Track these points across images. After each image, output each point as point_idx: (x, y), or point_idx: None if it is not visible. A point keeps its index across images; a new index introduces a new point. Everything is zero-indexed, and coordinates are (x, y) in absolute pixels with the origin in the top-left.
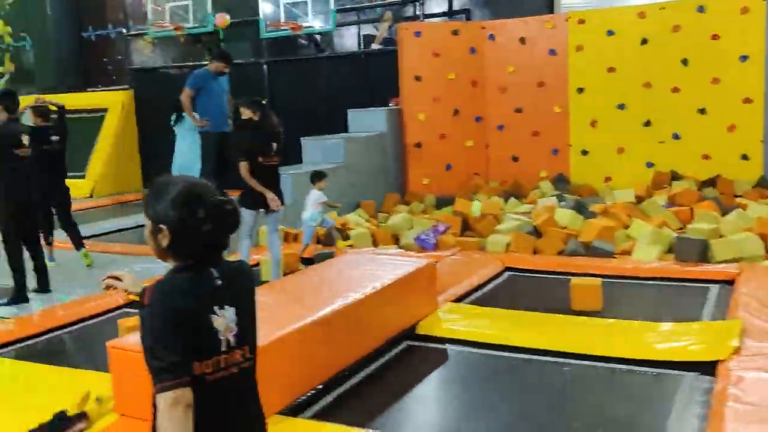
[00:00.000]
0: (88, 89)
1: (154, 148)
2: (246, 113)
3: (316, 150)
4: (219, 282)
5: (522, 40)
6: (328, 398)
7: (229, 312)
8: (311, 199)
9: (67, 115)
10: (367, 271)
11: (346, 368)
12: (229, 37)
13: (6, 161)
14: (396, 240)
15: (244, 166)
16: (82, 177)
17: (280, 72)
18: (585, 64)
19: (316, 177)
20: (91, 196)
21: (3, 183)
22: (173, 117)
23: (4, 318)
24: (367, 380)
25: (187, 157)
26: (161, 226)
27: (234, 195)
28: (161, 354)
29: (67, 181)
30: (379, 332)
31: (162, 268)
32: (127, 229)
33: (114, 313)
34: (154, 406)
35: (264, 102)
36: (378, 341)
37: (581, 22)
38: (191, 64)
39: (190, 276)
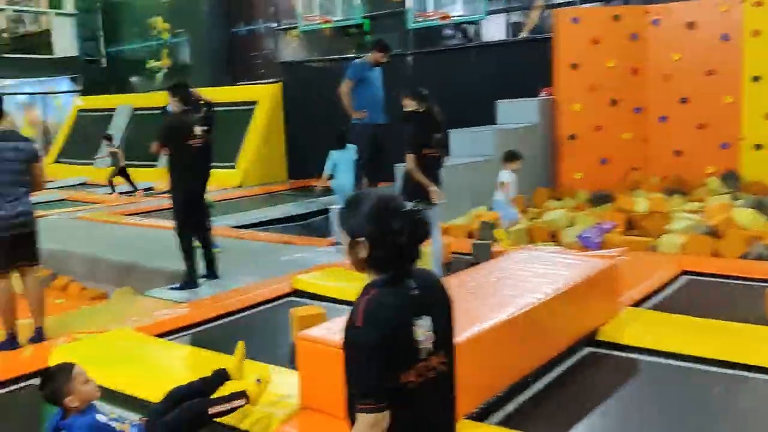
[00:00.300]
0: (237, 83)
1: (300, 140)
2: (410, 104)
3: (465, 142)
4: (416, 292)
5: (690, 25)
6: (512, 405)
7: (426, 320)
8: (503, 180)
9: (218, 108)
10: (547, 271)
11: (530, 373)
12: (374, 28)
13: (180, 151)
14: (552, 237)
15: (411, 159)
16: (232, 167)
17: (426, 63)
18: (763, 51)
19: (510, 157)
20: (240, 186)
21: (177, 172)
22: (336, 152)
23: (177, 302)
24: (550, 387)
25: (344, 185)
26: (359, 239)
27: (383, 186)
28: (365, 378)
29: (220, 172)
30: (562, 336)
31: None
32: (277, 220)
33: (282, 300)
34: (350, 410)
35: (427, 92)
36: (561, 346)
37: (758, 4)
38: (337, 57)
39: (391, 290)
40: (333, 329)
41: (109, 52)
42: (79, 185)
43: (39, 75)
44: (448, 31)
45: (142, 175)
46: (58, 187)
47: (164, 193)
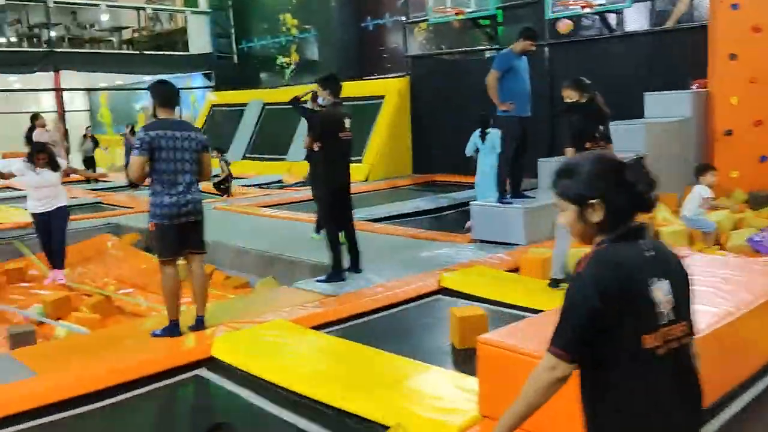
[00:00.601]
0: (364, 78)
1: (426, 134)
2: (571, 95)
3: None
4: (651, 253)
5: None
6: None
7: (665, 283)
8: (695, 195)
9: (347, 103)
10: (740, 278)
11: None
12: (508, 19)
13: (332, 145)
14: (715, 240)
15: (571, 153)
16: (359, 161)
17: (564, 54)
18: None
19: (703, 170)
20: (366, 180)
21: (327, 166)
22: (478, 132)
23: (325, 294)
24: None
25: (487, 176)
26: (591, 201)
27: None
28: (566, 324)
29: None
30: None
31: (450, 251)
32: (407, 214)
33: (430, 298)
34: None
35: (589, 82)
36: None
37: None
38: (467, 49)
39: (625, 245)
40: (515, 334)
41: (240, 48)
42: (213, 176)
43: (175, 71)
44: (588, 21)
45: (270, 168)
46: None
47: (299, 185)
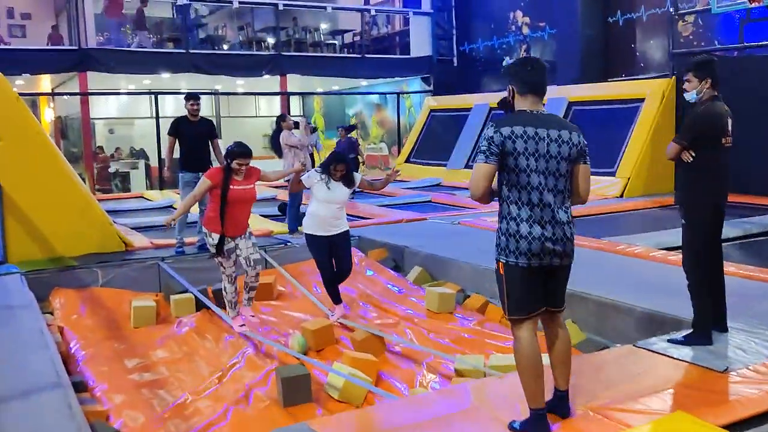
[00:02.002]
0: (609, 80)
1: None
2: None
3: None
4: None
5: None
6: None
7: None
8: None
9: (590, 108)
10: None
11: None
12: None
13: (713, 153)
14: None
15: None
16: (611, 175)
17: None
18: None
19: None
20: (621, 197)
21: (704, 183)
22: None
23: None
24: None
25: None
26: None
27: None
28: None
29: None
30: None
31: None
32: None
33: None
34: None
35: None
36: None
37: None
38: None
39: None
40: None
41: (460, 50)
42: (434, 186)
43: (395, 75)
44: None
45: None
46: (415, 188)
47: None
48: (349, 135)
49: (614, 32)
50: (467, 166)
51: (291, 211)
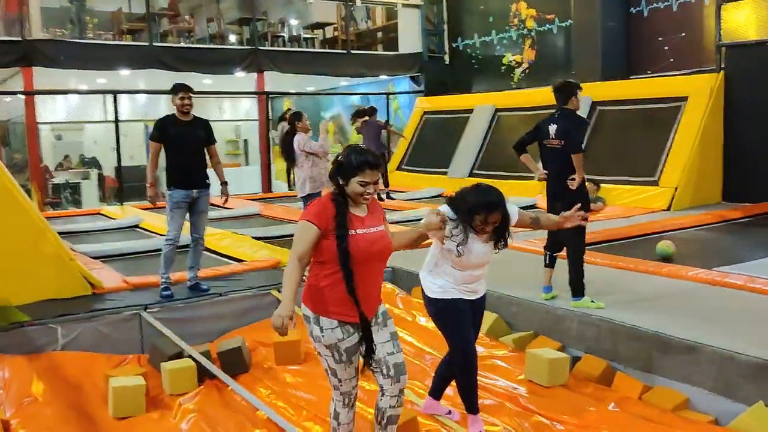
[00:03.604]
0: (631, 76)
1: (744, 149)
2: None
3: None
4: None
5: None
6: None
7: None
8: None
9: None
10: None
11: None
12: None
13: None
14: None
15: None
16: (654, 184)
17: None
18: None
19: None
20: (668, 210)
21: None
22: None
23: None
24: None
25: None
26: None
27: None
28: None
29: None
30: None
31: None
32: None
33: None
34: None
35: None
36: None
37: None
38: None
39: None
40: None
41: (454, 47)
42: (436, 197)
43: (383, 73)
44: None
45: (514, 188)
46: (416, 199)
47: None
48: (369, 120)
49: (637, 24)
50: (472, 175)
51: None
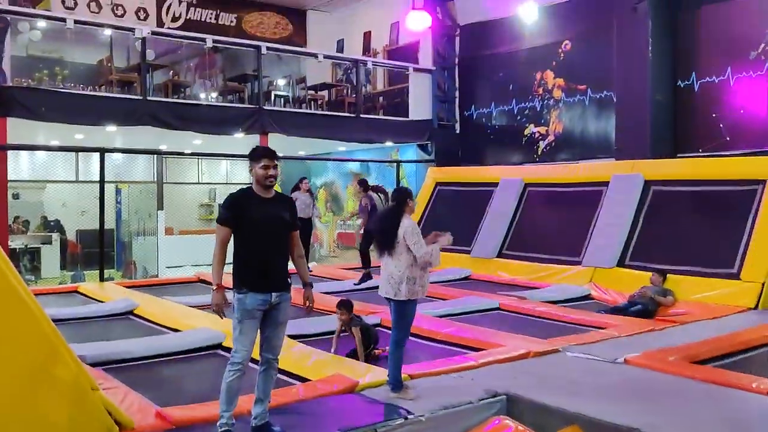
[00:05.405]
0: (678, 155)
1: None
2: None
3: None
4: None
5: None
6: None
7: None
8: None
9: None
10: None
11: None
12: None
13: None
14: None
15: None
16: (734, 278)
17: None
18: None
19: None
20: (756, 308)
21: None
22: None
23: None
24: None
25: None
26: None
27: None
28: None
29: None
30: None
31: None
32: None
33: None
34: None
35: None
36: None
37: None
38: None
39: None
40: None
41: (466, 115)
42: (464, 280)
43: (391, 139)
44: None
45: (553, 273)
46: (444, 282)
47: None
48: (369, 192)
49: (685, 99)
50: (501, 255)
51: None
